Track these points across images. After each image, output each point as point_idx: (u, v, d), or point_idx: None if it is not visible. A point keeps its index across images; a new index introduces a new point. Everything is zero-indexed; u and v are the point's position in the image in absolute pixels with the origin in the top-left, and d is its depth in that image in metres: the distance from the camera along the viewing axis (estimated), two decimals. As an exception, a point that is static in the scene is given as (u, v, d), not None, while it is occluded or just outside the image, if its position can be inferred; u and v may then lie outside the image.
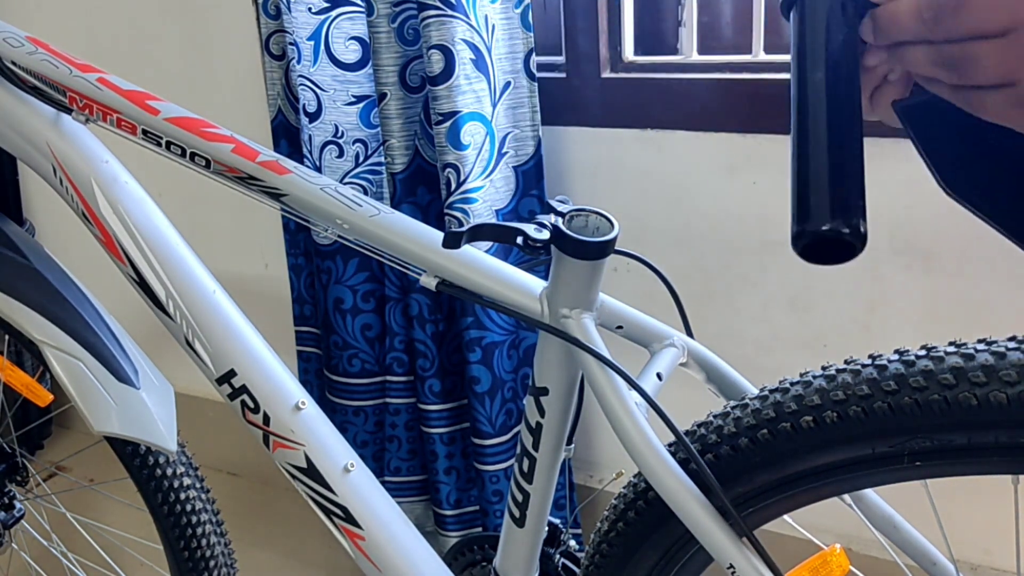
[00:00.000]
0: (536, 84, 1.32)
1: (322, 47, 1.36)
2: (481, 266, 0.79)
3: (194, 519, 1.10)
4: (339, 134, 1.40)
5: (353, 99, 1.39)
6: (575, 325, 0.74)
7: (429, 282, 0.79)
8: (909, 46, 0.48)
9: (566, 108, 1.38)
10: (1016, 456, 0.61)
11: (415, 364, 1.43)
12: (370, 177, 1.43)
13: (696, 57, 1.35)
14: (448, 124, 1.26)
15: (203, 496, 1.11)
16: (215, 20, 1.62)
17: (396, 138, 1.34)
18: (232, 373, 0.89)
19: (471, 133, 1.27)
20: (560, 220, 0.72)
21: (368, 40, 1.34)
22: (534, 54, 1.30)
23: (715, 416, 0.72)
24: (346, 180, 1.42)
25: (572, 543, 0.95)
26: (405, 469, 1.54)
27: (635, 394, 0.72)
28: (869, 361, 0.66)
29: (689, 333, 0.84)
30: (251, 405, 0.89)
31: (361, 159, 1.42)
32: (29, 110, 0.88)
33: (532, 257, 0.74)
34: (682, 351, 0.81)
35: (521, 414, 1.17)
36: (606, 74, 1.36)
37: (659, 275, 0.83)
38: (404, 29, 1.31)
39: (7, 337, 1.08)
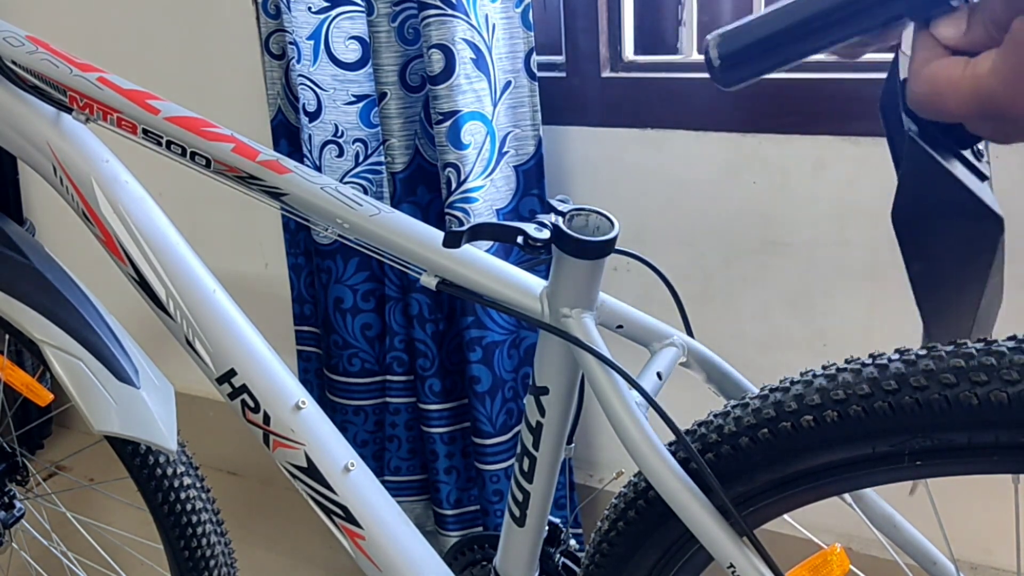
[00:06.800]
0: (536, 83, 1.31)
1: (322, 46, 1.36)
2: (481, 265, 0.79)
3: (194, 519, 1.10)
4: (339, 133, 1.40)
5: (353, 98, 1.39)
6: (575, 324, 0.74)
7: (429, 281, 0.79)
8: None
9: (566, 108, 1.38)
10: (1016, 456, 0.61)
11: (415, 363, 1.43)
12: (370, 176, 1.43)
13: (696, 57, 1.34)
14: (448, 123, 1.25)
15: (203, 496, 1.11)
16: (215, 20, 1.62)
17: (396, 137, 1.34)
18: (232, 372, 0.89)
19: (471, 132, 1.27)
20: (560, 219, 0.72)
21: (368, 39, 1.34)
22: (534, 53, 1.30)
23: (715, 415, 0.72)
24: (346, 179, 1.41)
25: (572, 542, 0.95)
26: (405, 468, 1.54)
27: (635, 393, 0.72)
28: (870, 360, 0.66)
29: (689, 332, 0.84)
30: (251, 404, 0.89)
31: (361, 158, 1.42)
32: (29, 109, 0.88)
33: (532, 256, 0.74)
34: (682, 350, 0.81)
35: (521, 413, 1.17)
36: (606, 74, 1.36)
37: (659, 275, 0.83)
38: (404, 28, 1.31)
39: (7, 337, 1.08)
